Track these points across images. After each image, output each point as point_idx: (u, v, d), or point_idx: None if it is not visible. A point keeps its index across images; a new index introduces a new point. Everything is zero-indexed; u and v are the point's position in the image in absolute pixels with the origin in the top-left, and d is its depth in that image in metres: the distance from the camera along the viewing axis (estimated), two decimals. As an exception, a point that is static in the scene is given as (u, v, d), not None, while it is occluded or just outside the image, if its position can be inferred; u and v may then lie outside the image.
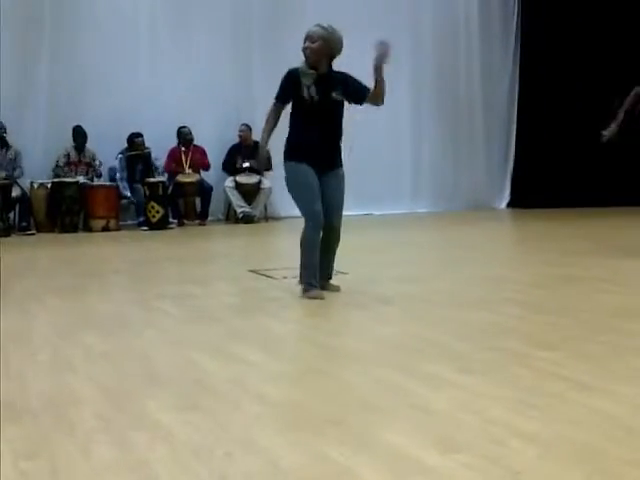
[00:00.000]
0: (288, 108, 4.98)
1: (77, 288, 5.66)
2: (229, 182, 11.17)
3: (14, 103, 10.48)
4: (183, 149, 11.12)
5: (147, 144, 10.81)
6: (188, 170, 11.01)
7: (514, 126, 13.46)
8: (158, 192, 10.43)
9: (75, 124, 10.54)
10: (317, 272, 4.89)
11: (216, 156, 11.38)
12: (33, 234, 9.89)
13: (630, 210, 11.21)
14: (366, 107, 5.20)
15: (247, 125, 11.25)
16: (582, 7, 12.53)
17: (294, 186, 4.94)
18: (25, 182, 10.26)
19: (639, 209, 11.18)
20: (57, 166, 10.51)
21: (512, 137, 13.48)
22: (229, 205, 11.43)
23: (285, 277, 5.68)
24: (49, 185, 10.22)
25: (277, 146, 5.12)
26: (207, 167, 11.25)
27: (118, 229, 10.36)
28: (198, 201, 11.09)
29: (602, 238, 8.41)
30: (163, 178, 10.70)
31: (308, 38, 4.88)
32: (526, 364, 3.20)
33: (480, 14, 13.21)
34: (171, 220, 10.69)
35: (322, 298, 4.82)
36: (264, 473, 2.14)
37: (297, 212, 5.05)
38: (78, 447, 2.35)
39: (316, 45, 4.86)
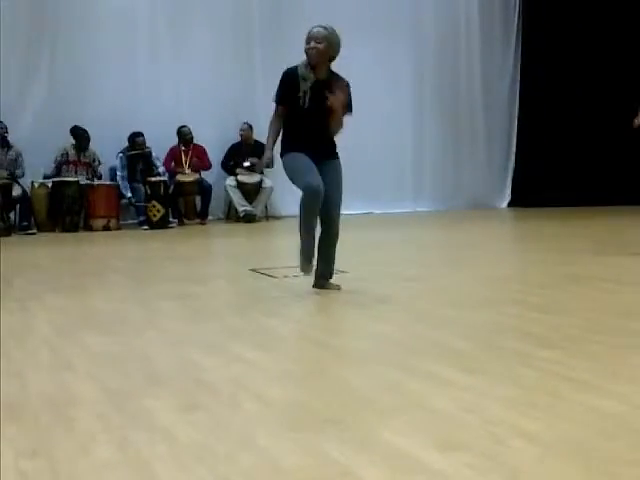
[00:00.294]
0: None
1: (77, 287, 5.66)
2: (230, 181, 11.17)
3: (15, 103, 10.49)
4: (183, 148, 11.13)
5: (148, 143, 10.82)
6: (188, 170, 11.01)
7: (515, 126, 13.48)
8: (159, 191, 10.43)
9: (75, 124, 10.53)
10: (313, 249, 4.93)
11: (216, 155, 11.38)
12: (34, 233, 9.89)
13: (631, 209, 11.21)
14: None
15: (248, 124, 11.25)
16: (583, 8, 12.53)
17: (291, 168, 4.91)
18: (26, 182, 10.26)
19: (639, 208, 11.18)
20: (55, 165, 10.48)
21: (513, 137, 13.49)
22: (229, 204, 11.44)
23: (286, 276, 5.68)
24: (50, 185, 10.22)
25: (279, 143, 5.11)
26: (207, 168, 11.24)
27: (119, 228, 10.36)
28: (198, 200, 11.09)
29: (603, 237, 8.40)
30: (164, 177, 10.70)
31: (313, 39, 4.85)
32: (528, 363, 3.19)
33: (481, 15, 13.22)
34: (171, 219, 10.70)
35: (309, 274, 4.98)
36: (264, 473, 2.13)
37: (298, 211, 5.03)
38: (78, 446, 2.34)
39: (322, 46, 4.84)
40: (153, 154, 10.89)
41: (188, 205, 11.10)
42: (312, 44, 4.85)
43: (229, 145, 11.46)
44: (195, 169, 11.05)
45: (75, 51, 10.87)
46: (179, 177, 10.91)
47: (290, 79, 4.88)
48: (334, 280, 5.16)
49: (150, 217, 10.38)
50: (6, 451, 2.29)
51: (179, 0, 11.49)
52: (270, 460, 2.21)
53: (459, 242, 8.65)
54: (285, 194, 10.58)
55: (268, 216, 11.41)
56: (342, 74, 4.99)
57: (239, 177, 11.15)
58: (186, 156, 11.10)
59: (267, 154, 4.96)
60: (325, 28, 4.89)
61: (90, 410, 2.70)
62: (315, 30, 4.88)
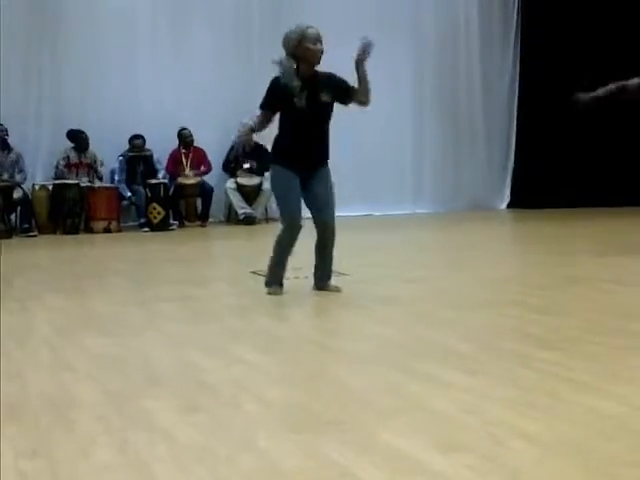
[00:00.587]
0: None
1: (78, 289, 5.67)
2: (230, 183, 11.17)
3: (15, 105, 10.48)
4: (184, 151, 11.13)
5: (148, 146, 10.82)
6: (188, 172, 11.01)
7: (514, 126, 13.46)
8: (159, 193, 10.44)
9: (74, 127, 10.52)
10: (283, 272, 5.09)
11: (217, 158, 11.38)
12: (35, 236, 9.89)
13: (631, 210, 11.20)
14: (368, 108, 5.16)
15: (248, 126, 11.24)
16: (582, 7, 12.51)
17: (278, 189, 5.05)
18: (27, 184, 10.26)
19: (639, 209, 11.17)
20: (57, 168, 10.50)
21: (512, 137, 13.48)
22: (230, 206, 11.44)
23: (286, 278, 5.68)
24: (50, 187, 10.22)
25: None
26: (207, 172, 11.23)
27: (119, 230, 10.36)
28: (199, 202, 11.09)
29: (603, 238, 8.40)
30: (164, 180, 10.71)
31: (318, 40, 4.85)
32: (527, 364, 3.19)
33: (480, 14, 13.22)
34: (172, 221, 10.70)
35: (279, 294, 5.02)
36: (264, 474, 2.14)
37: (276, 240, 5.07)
38: (78, 447, 2.35)
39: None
40: (154, 157, 10.89)
41: (189, 207, 11.10)
42: (319, 46, 4.86)
43: (229, 147, 11.45)
44: (196, 175, 11.06)
45: (75, 52, 10.85)
46: (180, 179, 10.91)
47: (278, 86, 4.87)
48: (334, 282, 5.17)
49: (150, 219, 10.39)
50: (6, 451, 2.30)
51: (179, 1, 11.50)
52: (270, 462, 2.21)
53: (459, 243, 8.65)
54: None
55: (268, 218, 11.40)
56: (342, 74, 5.00)
57: (239, 179, 11.15)
58: (186, 159, 11.11)
59: (244, 129, 4.88)
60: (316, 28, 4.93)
61: (90, 411, 2.70)
62: (315, 31, 4.88)
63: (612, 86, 6.81)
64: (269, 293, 5.04)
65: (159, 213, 10.39)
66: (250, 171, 11.16)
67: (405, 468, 2.14)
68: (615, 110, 6.96)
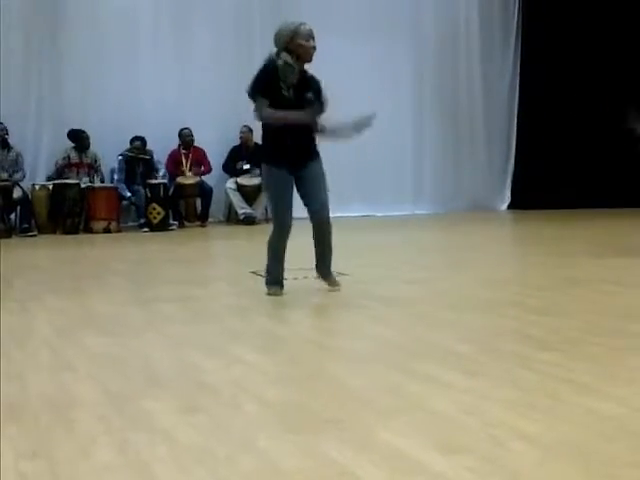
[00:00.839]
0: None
1: (78, 289, 5.67)
2: (230, 183, 11.17)
3: (15, 104, 10.47)
4: (184, 151, 11.12)
5: (149, 146, 10.80)
6: (188, 172, 11.01)
7: (514, 127, 13.46)
8: (159, 194, 10.44)
9: (76, 126, 10.52)
10: (282, 271, 5.09)
11: (217, 158, 11.37)
12: (34, 235, 9.89)
13: (630, 211, 11.20)
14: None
15: (248, 127, 11.23)
16: (582, 8, 12.52)
17: (270, 190, 5.11)
18: (26, 184, 10.26)
19: (639, 210, 11.17)
20: (56, 167, 10.50)
21: (512, 138, 13.47)
22: (230, 206, 11.43)
23: (285, 278, 5.67)
24: (50, 187, 10.22)
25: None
26: (207, 172, 11.23)
27: (119, 231, 10.36)
28: (199, 202, 11.09)
29: (603, 240, 8.40)
30: (164, 180, 10.71)
31: (311, 37, 4.90)
32: (527, 366, 3.19)
33: (480, 15, 13.21)
34: (172, 222, 10.70)
35: (280, 295, 5.02)
36: (264, 475, 2.14)
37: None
38: (78, 447, 2.35)
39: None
40: (155, 157, 10.89)
41: (189, 207, 11.10)
42: (311, 42, 4.88)
43: (230, 147, 11.46)
44: (196, 174, 11.06)
45: (77, 52, 10.84)
46: (180, 179, 10.91)
47: (271, 72, 4.90)
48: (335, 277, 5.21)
49: (150, 219, 10.39)
50: (6, 452, 2.30)
51: (181, 1, 11.50)
52: (270, 462, 2.21)
53: (459, 244, 8.65)
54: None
55: (268, 218, 11.39)
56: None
57: (239, 180, 11.15)
58: (186, 159, 11.11)
59: (307, 116, 4.86)
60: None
61: (90, 411, 2.70)
62: (308, 27, 4.92)
63: None
64: (269, 294, 5.05)
65: (159, 213, 10.39)
66: (248, 172, 11.15)
67: (404, 468, 2.14)
68: None
